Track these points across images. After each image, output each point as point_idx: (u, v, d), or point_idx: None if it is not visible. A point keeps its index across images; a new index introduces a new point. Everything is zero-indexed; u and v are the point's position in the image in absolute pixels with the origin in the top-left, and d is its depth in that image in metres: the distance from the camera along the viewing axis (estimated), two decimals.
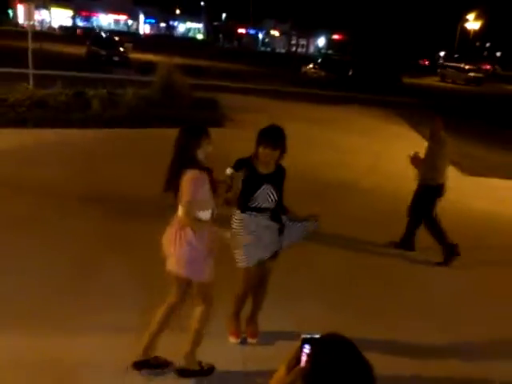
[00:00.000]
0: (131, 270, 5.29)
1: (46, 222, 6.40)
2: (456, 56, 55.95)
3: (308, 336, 1.67)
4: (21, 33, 27.83)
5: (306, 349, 1.64)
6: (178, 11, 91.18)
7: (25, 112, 11.71)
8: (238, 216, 4.07)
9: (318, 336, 1.67)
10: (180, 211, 3.59)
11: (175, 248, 3.58)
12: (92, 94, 13.66)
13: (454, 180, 10.79)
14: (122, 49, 30.36)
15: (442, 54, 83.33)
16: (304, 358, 1.64)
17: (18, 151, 9.40)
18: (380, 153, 12.32)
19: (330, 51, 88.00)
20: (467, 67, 47.64)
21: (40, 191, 7.42)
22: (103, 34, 36.53)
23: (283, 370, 1.68)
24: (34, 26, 20.26)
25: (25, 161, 8.86)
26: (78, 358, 3.89)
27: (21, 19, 59.00)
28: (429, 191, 6.32)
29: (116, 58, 29.03)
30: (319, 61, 37.84)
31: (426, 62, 73.75)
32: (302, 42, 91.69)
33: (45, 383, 3.69)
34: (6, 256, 5.37)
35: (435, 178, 6.25)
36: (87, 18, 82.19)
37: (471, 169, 11.40)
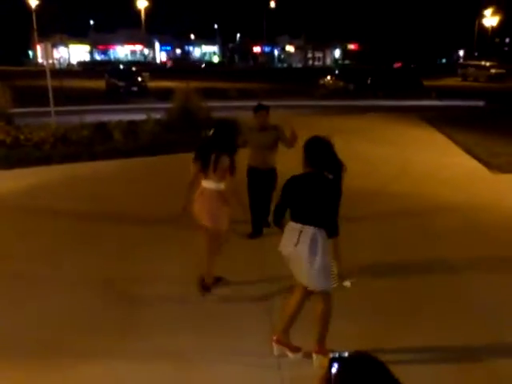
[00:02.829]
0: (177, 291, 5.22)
1: (84, 246, 6.47)
2: (476, 54, 55.11)
3: (336, 355, 1.71)
4: (41, 72, 28.49)
5: (335, 368, 1.66)
6: (192, 36, 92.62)
7: (49, 149, 11.86)
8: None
9: (346, 355, 1.70)
10: None
11: None
12: (113, 126, 13.80)
13: (484, 180, 10.59)
14: (139, 78, 30.70)
15: (461, 53, 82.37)
16: (332, 377, 1.66)
17: (45, 186, 9.57)
18: (408, 158, 12.01)
19: (346, 61, 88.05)
20: (488, 64, 46.97)
21: (69, 221, 7.48)
22: (120, 66, 37.13)
23: None
24: (53, 64, 20.73)
25: (54, 194, 9.08)
26: None
27: (40, 58, 60.63)
28: (276, 173, 6.98)
29: (134, 88, 29.44)
30: (337, 72, 37.79)
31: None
32: (318, 54, 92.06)
33: None
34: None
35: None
36: (104, 52, 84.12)
37: (501, 167, 11.03)
